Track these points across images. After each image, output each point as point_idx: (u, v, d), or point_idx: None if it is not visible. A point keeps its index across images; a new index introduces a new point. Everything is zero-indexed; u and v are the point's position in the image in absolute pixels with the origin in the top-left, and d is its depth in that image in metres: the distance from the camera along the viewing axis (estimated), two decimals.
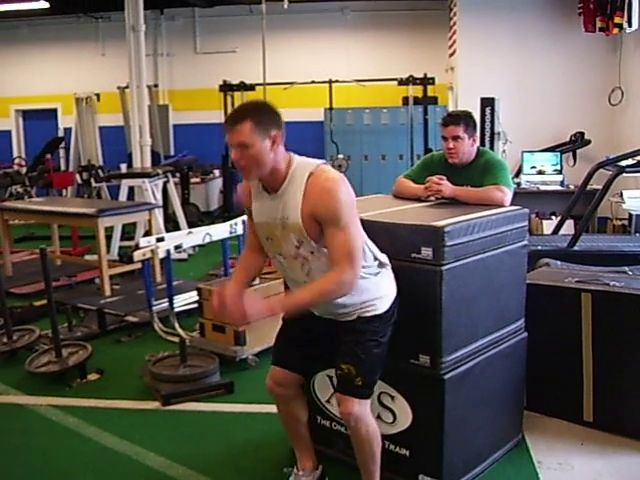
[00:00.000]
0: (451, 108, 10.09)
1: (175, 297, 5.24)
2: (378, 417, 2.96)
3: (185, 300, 5.42)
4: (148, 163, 8.75)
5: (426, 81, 9.87)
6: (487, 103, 7.88)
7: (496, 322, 3.09)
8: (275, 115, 2.46)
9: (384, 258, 2.66)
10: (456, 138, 3.45)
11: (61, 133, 12.14)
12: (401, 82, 9.97)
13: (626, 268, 3.93)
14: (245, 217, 5.90)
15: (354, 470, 2.81)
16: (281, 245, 2.55)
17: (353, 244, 2.42)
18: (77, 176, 10.90)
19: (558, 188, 7.90)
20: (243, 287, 2.74)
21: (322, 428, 3.20)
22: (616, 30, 7.73)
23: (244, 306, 2.43)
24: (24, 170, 10.93)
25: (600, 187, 5.21)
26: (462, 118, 3.49)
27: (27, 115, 12.80)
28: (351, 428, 2.64)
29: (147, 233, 6.98)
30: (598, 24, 8.10)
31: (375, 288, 2.59)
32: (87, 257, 7.51)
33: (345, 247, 2.41)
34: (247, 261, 2.84)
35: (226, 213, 10.24)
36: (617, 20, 7.58)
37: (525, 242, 3.19)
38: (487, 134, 7.81)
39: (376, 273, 2.61)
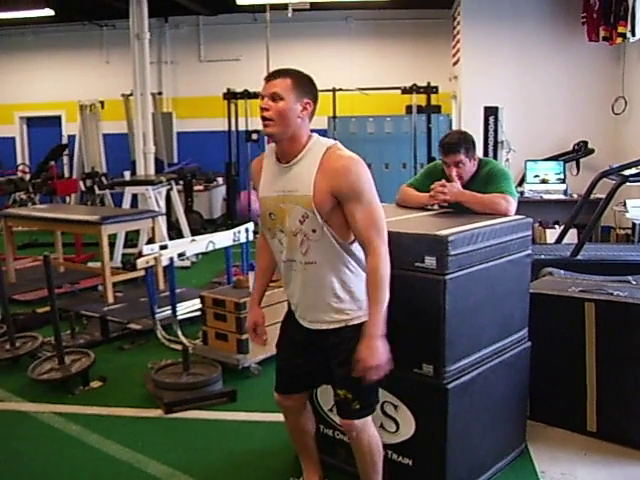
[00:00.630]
0: (454, 117, 10.11)
1: (178, 305, 5.24)
2: (381, 426, 2.96)
3: (188, 308, 5.42)
4: (152, 171, 8.77)
5: (429, 90, 9.88)
6: (491, 112, 7.89)
7: (499, 331, 3.09)
8: (314, 88, 2.50)
9: None
10: (458, 164, 3.45)
11: (65, 140, 12.19)
12: (404, 91, 9.98)
13: (630, 277, 3.91)
14: (248, 225, 5.94)
15: (356, 479, 2.80)
16: (284, 220, 2.49)
17: (377, 216, 2.42)
18: (81, 183, 10.94)
19: (561, 197, 7.89)
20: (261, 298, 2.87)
21: (325, 437, 3.20)
22: (620, 40, 7.74)
23: (377, 361, 2.40)
24: (28, 177, 10.95)
25: (603, 196, 5.21)
26: (461, 144, 3.45)
27: (31, 122, 12.85)
28: (352, 438, 2.64)
29: (150, 241, 6.98)
30: (602, 33, 8.11)
31: (364, 288, 2.52)
32: (90, 264, 7.52)
33: (370, 220, 2.40)
34: (265, 258, 2.81)
35: (229, 221, 10.24)
36: (621, 30, 7.60)
37: (529, 251, 3.19)
38: (490, 143, 7.81)
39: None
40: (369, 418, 2.63)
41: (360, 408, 2.57)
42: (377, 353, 2.39)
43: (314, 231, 2.44)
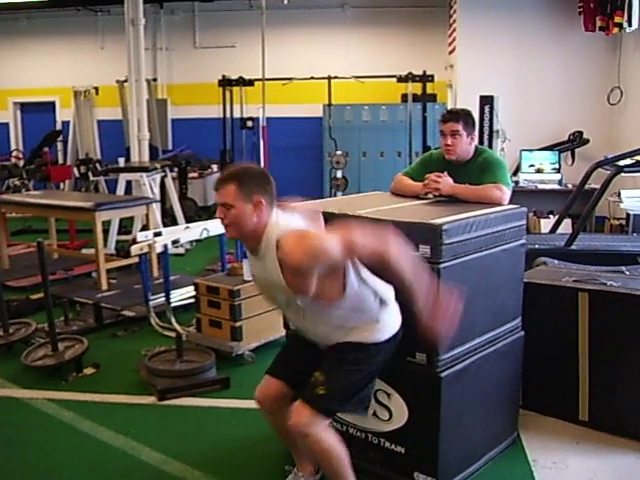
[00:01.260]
0: (450, 106, 10.08)
1: (172, 292, 5.23)
2: (374, 414, 2.96)
3: (182, 295, 5.42)
4: (146, 157, 8.74)
5: (425, 78, 9.86)
6: (486, 101, 7.87)
7: (493, 321, 3.09)
8: (262, 180, 2.48)
9: (388, 293, 2.63)
10: (454, 134, 3.45)
11: (59, 126, 12.11)
12: (400, 79, 9.96)
13: (623, 268, 3.93)
14: None
15: None
16: (274, 297, 2.63)
17: (358, 243, 2.38)
18: (75, 170, 10.87)
19: (556, 187, 7.90)
20: None
21: None
22: (616, 30, 7.72)
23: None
24: (22, 163, 10.91)
25: (598, 186, 5.21)
26: (461, 116, 3.51)
27: (25, 108, 12.75)
28: (302, 443, 2.61)
29: (144, 227, 6.97)
30: (598, 23, 8.08)
31: (368, 317, 2.61)
32: (84, 251, 7.50)
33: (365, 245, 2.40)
34: None
35: None
36: (617, 19, 7.57)
37: (523, 241, 3.19)
38: (486, 132, 7.79)
39: (376, 311, 2.60)
40: (321, 423, 2.52)
41: (322, 396, 2.51)
42: (440, 324, 2.45)
43: (301, 302, 2.50)
